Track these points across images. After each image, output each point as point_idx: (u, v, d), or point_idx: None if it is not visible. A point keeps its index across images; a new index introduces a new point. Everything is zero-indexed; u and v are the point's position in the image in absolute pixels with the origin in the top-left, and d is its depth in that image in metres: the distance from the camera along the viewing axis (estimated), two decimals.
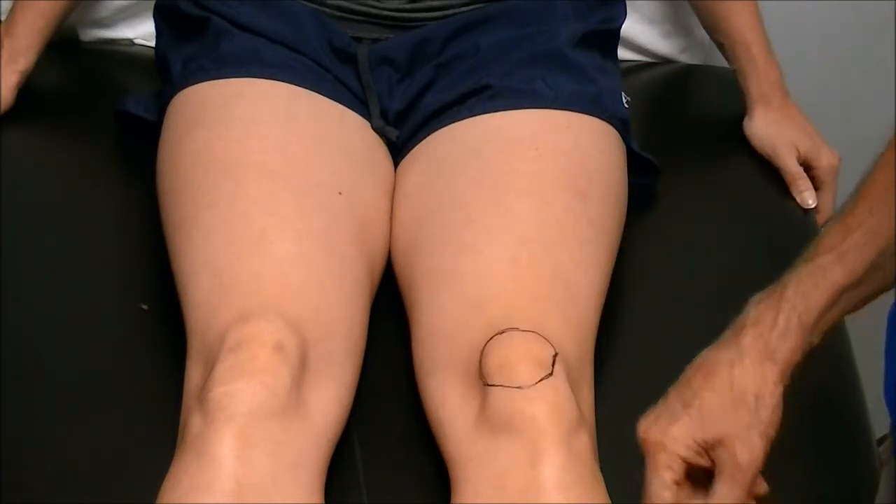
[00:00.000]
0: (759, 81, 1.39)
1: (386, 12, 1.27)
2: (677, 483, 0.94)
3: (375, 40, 1.27)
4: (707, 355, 0.95)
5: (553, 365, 1.00)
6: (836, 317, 0.95)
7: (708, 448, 0.93)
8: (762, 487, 0.96)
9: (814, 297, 0.93)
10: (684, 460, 0.93)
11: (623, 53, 1.46)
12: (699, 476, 0.95)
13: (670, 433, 0.93)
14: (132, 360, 1.13)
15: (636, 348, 1.18)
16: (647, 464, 0.94)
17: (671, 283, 1.26)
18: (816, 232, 1.37)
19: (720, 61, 1.48)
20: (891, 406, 0.98)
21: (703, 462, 0.94)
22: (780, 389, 0.94)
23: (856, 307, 0.96)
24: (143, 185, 1.24)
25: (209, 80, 1.21)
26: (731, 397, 0.93)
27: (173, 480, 0.96)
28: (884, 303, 1.02)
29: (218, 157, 1.13)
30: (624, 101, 1.28)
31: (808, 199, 1.37)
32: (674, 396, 0.95)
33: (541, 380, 0.99)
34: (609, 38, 1.33)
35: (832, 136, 1.41)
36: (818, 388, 1.18)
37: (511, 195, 1.12)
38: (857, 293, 0.94)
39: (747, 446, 0.92)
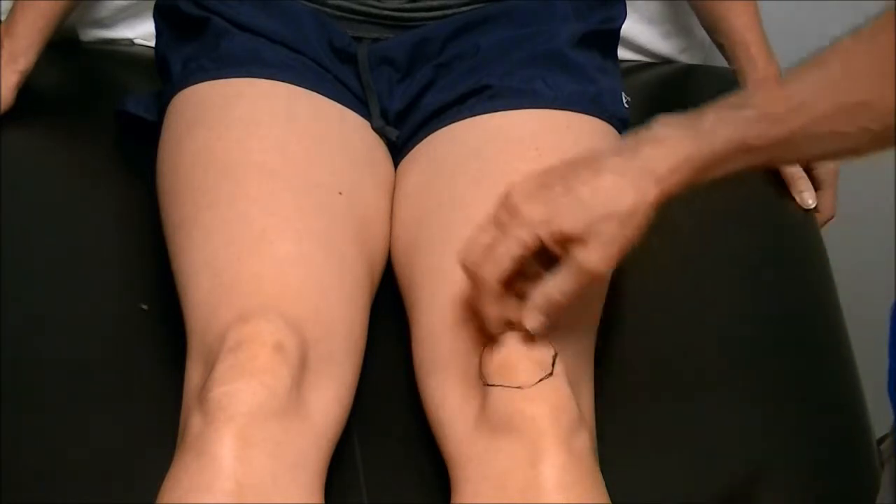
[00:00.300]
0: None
1: (386, 12, 1.27)
2: (523, 258, 0.97)
3: (375, 40, 1.27)
4: (604, 154, 0.98)
5: (553, 365, 1.00)
6: (736, 169, 0.97)
7: (565, 240, 0.96)
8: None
9: (719, 143, 0.95)
10: (540, 241, 0.96)
11: (623, 53, 1.46)
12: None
13: (540, 213, 0.96)
14: (132, 360, 1.13)
15: (636, 348, 1.18)
16: (504, 225, 0.97)
17: (671, 283, 1.26)
18: (816, 232, 1.37)
19: (720, 61, 1.48)
20: (894, 404, 0.98)
21: (556, 250, 0.97)
22: (652, 212, 0.97)
23: (756, 169, 0.98)
24: (143, 185, 1.24)
25: (209, 80, 1.21)
26: (607, 204, 0.95)
27: (173, 480, 0.96)
28: (884, 302, 1.03)
29: (218, 157, 1.13)
30: (624, 101, 1.28)
31: (808, 199, 1.37)
32: (558, 176, 0.97)
33: (541, 380, 0.99)
34: (609, 38, 1.33)
35: None
36: (818, 388, 1.19)
37: None
38: (763, 156, 0.96)
39: (601, 254, 0.96)
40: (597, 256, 0.96)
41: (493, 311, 1.00)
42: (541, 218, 0.96)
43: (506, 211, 0.98)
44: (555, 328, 1.02)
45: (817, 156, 0.96)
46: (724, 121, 0.96)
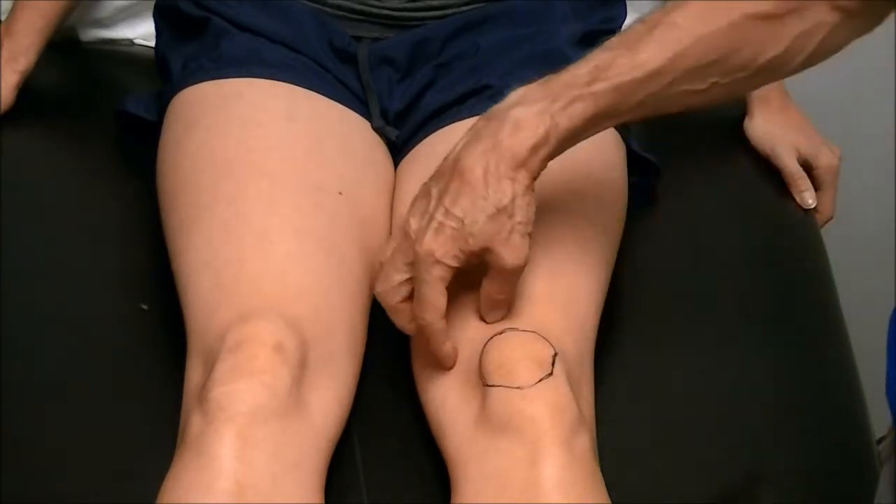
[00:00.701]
0: None
1: (386, 11, 1.27)
2: (448, 287, 1.00)
3: (375, 40, 1.27)
4: (463, 154, 1.00)
5: (553, 365, 1.00)
6: (595, 133, 1.02)
7: (476, 254, 1.00)
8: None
9: (576, 118, 0.98)
10: (456, 267, 1.00)
11: None
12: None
13: (440, 250, 0.99)
14: (132, 360, 1.13)
15: (636, 348, 1.18)
16: (420, 270, 1.00)
17: (671, 282, 1.26)
18: (816, 232, 1.37)
19: None
20: (893, 406, 0.98)
21: (475, 261, 1.00)
22: (530, 191, 1.00)
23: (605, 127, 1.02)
24: (143, 185, 1.24)
25: (209, 80, 1.21)
26: (488, 207, 0.98)
27: (173, 480, 0.96)
28: (884, 303, 1.03)
29: (218, 157, 1.13)
30: None
31: (808, 199, 1.37)
32: (434, 198, 1.00)
33: (541, 380, 0.99)
34: (609, 38, 1.32)
35: (832, 136, 1.41)
36: (818, 388, 1.19)
37: None
38: (619, 120, 1.02)
39: (511, 249, 0.99)
40: (508, 255, 0.99)
41: (447, 347, 1.03)
42: (442, 253, 0.99)
43: (406, 254, 1.01)
44: (552, 329, 1.03)
45: (673, 110, 1.00)
46: (577, 96, 0.98)
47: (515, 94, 1.01)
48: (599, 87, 0.98)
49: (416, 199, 1.02)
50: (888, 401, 0.94)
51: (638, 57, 0.98)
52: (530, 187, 1.00)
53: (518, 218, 0.99)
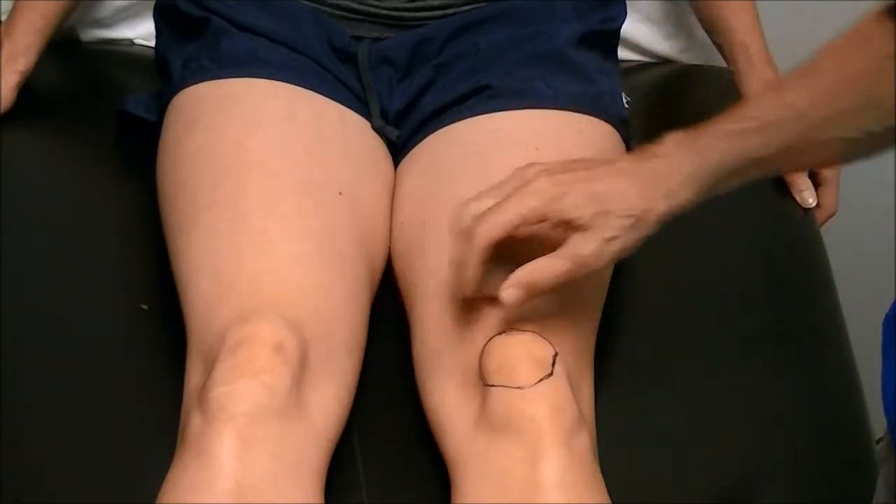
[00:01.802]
0: (757, 82, 1.39)
1: (385, 11, 1.27)
2: (517, 229, 0.97)
3: (375, 39, 1.27)
4: (620, 160, 1.00)
5: (553, 365, 1.00)
6: (743, 181, 0.99)
7: (566, 223, 0.96)
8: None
9: (725, 157, 0.96)
10: (540, 220, 0.97)
11: (623, 53, 1.46)
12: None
13: (551, 190, 0.96)
14: (132, 360, 1.13)
15: (636, 348, 1.18)
16: (509, 194, 0.97)
17: (671, 282, 1.26)
18: (816, 232, 1.37)
19: (720, 61, 1.48)
20: (888, 410, 0.98)
21: (553, 233, 0.97)
22: (657, 225, 0.98)
23: (763, 178, 1.00)
24: (143, 185, 1.24)
25: (209, 80, 1.21)
26: (618, 203, 0.96)
27: (173, 480, 0.96)
28: (884, 302, 1.03)
29: (218, 157, 1.13)
30: (624, 101, 1.28)
31: (808, 198, 1.37)
32: (577, 165, 0.98)
33: (541, 380, 0.99)
34: (609, 38, 1.33)
35: None
36: (818, 387, 1.19)
37: None
38: (768, 167, 0.98)
39: (599, 246, 0.96)
40: (594, 247, 0.97)
41: (473, 272, 0.99)
42: (551, 194, 0.96)
43: (517, 179, 0.98)
44: (552, 329, 1.03)
45: (822, 161, 0.96)
46: (724, 135, 0.96)
47: (668, 135, 0.99)
48: (747, 125, 0.95)
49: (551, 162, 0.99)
50: (884, 405, 0.95)
51: (785, 96, 0.95)
52: (661, 220, 0.98)
53: (631, 234, 0.97)
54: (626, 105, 1.28)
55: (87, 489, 1.03)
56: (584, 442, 0.99)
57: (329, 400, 1.02)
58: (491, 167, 1.15)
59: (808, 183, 1.38)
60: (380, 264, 1.16)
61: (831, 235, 1.38)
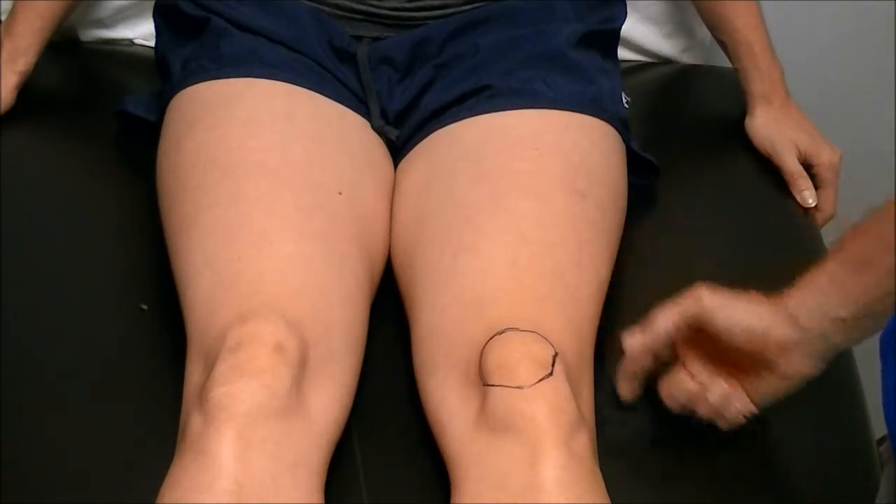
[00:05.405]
0: (761, 81, 1.40)
1: (385, 11, 1.27)
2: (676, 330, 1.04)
3: (375, 39, 1.27)
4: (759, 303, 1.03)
5: (553, 365, 1.00)
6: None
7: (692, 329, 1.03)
8: None
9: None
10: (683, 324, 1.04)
11: (623, 53, 1.47)
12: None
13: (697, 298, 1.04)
14: (132, 360, 1.13)
15: None
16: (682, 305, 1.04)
17: (671, 282, 1.26)
18: (816, 232, 1.37)
19: (721, 61, 1.48)
20: (889, 419, 0.99)
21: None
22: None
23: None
24: (143, 185, 1.24)
25: (209, 80, 1.21)
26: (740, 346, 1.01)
27: (173, 480, 0.96)
28: None
29: (218, 157, 1.13)
30: (624, 101, 1.28)
31: (808, 198, 1.37)
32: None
33: (541, 380, 0.99)
34: (609, 38, 1.33)
35: (832, 136, 1.41)
36: (818, 388, 1.18)
37: (511, 195, 1.12)
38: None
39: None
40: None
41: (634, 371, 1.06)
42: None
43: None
44: (552, 329, 1.03)
45: None
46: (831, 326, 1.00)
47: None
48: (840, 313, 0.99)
49: None
50: (885, 416, 0.95)
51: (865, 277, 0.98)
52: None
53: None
54: (626, 105, 1.28)
55: (87, 489, 1.02)
56: (584, 442, 0.99)
57: (329, 400, 1.02)
58: (490, 166, 1.15)
59: (809, 183, 1.38)
60: (380, 264, 1.17)
61: (831, 235, 1.38)
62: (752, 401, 1.04)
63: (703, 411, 1.05)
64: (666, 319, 1.04)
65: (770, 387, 1.03)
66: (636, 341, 1.05)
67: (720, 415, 1.05)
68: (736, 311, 1.02)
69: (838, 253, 0.99)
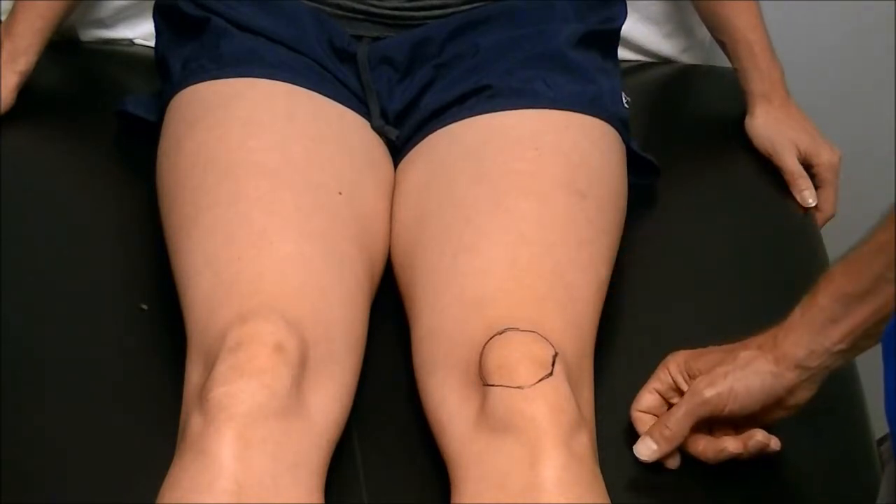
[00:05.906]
0: (761, 80, 1.40)
1: (386, 11, 1.27)
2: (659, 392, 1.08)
3: (375, 39, 1.27)
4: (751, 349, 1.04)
5: (553, 365, 1.00)
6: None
7: (693, 375, 1.05)
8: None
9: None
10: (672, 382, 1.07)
11: (623, 53, 1.47)
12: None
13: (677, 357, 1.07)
14: (132, 360, 1.13)
15: (636, 348, 1.18)
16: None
17: (671, 282, 1.26)
18: (816, 232, 1.37)
19: (721, 61, 1.48)
20: (890, 420, 0.98)
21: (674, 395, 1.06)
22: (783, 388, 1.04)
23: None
24: (143, 185, 1.24)
25: (209, 80, 1.21)
26: (732, 382, 1.03)
27: (173, 480, 0.96)
28: None
29: (218, 157, 1.13)
30: (624, 101, 1.28)
31: (808, 198, 1.37)
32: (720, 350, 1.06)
33: (541, 380, 0.99)
34: (609, 38, 1.33)
35: (832, 137, 1.41)
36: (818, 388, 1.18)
37: (511, 195, 1.12)
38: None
39: (720, 391, 1.03)
40: (713, 391, 1.04)
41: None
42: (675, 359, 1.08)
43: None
44: (552, 329, 1.03)
45: None
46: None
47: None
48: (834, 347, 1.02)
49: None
50: (887, 416, 0.95)
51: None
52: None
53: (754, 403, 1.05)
54: (626, 105, 1.28)
55: (87, 489, 1.02)
56: (584, 442, 0.99)
57: (329, 400, 1.02)
58: (490, 166, 1.15)
59: (809, 183, 1.38)
60: (379, 264, 1.16)
61: (831, 236, 1.38)
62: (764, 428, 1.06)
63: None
64: (682, 429, 1.05)
65: (776, 417, 1.06)
66: (655, 455, 1.06)
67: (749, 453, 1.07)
68: (741, 386, 1.03)
69: (829, 286, 1.00)
